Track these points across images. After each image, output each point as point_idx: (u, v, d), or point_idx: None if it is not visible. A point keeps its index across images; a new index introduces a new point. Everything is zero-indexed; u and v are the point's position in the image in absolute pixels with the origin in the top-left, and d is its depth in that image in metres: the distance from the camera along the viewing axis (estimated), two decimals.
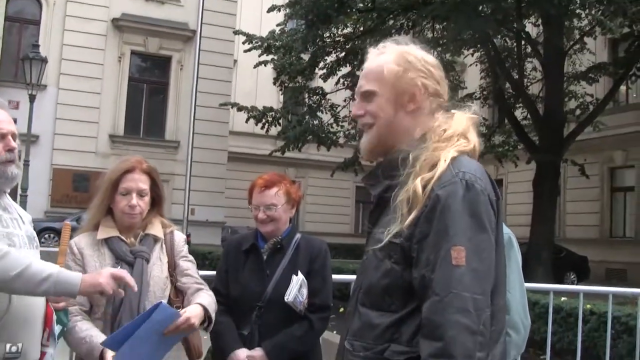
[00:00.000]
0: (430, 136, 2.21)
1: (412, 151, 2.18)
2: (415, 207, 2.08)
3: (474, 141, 2.27)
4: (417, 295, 2.07)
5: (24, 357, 2.85)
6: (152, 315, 2.88)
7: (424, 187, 2.09)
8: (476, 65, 25.00)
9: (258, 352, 3.48)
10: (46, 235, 21.57)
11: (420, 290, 2.06)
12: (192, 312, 3.10)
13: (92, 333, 3.07)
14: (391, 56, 2.30)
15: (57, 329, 3.12)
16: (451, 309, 1.96)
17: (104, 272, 2.81)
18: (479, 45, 20.59)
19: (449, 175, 2.09)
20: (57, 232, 20.95)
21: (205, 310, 3.20)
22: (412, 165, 2.15)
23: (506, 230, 2.87)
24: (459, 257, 1.99)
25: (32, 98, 19.44)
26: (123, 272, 2.84)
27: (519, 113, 21.92)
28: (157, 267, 3.35)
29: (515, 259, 2.90)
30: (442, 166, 2.11)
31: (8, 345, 2.77)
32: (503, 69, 20.01)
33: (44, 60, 20.55)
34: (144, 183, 3.35)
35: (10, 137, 2.87)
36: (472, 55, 23.12)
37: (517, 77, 20.56)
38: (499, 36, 20.46)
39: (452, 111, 2.32)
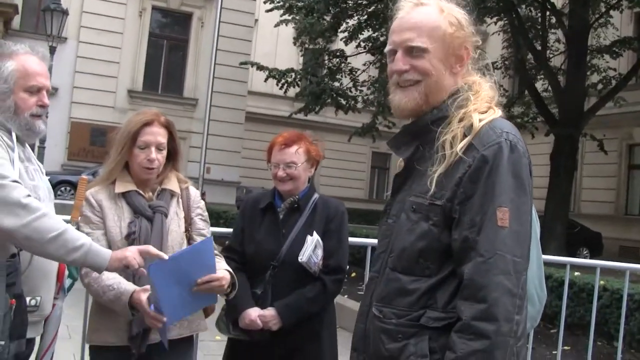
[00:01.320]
0: (468, 96, 2.19)
1: (450, 110, 2.16)
2: (456, 151, 2.07)
3: (496, 101, 2.28)
4: (455, 258, 2.06)
5: (41, 310, 2.87)
6: (196, 244, 3.03)
7: (466, 141, 2.08)
8: (498, 34, 24.67)
9: (270, 311, 3.48)
10: (62, 188, 21.72)
11: (460, 253, 2.04)
12: (224, 275, 3.12)
13: (119, 280, 3.06)
14: (438, 12, 2.23)
15: (67, 282, 3.14)
16: (495, 270, 1.96)
17: (130, 247, 2.81)
18: (502, 14, 20.31)
19: (493, 135, 2.08)
20: (73, 185, 21.09)
21: (232, 276, 3.22)
22: (449, 122, 2.14)
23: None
24: (504, 218, 1.98)
25: (52, 50, 19.43)
26: (149, 247, 2.82)
27: (539, 85, 21.71)
28: (175, 222, 3.35)
29: (534, 229, 2.88)
30: (483, 124, 2.10)
31: (28, 299, 2.79)
32: (526, 39, 19.74)
33: (65, 12, 20.54)
34: (162, 137, 3.33)
35: (44, 93, 2.89)
36: (495, 24, 22.79)
37: (539, 48, 20.29)
38: (524, 5, 20.14)
39: (477, 77, 2.30)
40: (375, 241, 2.55)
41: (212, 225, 3.61)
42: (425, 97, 2.21)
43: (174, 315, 3.02)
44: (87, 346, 3.43)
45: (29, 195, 2.58)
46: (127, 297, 3.02)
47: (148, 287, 2.95)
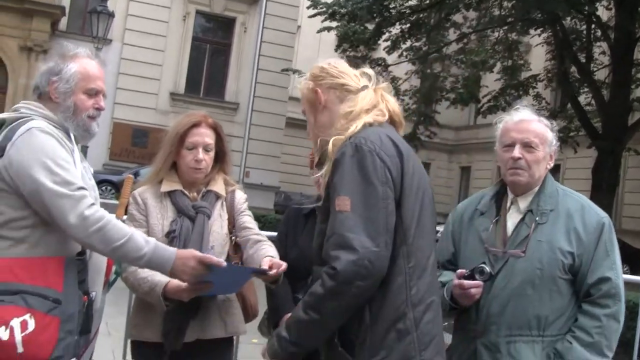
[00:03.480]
0: (339, 121, 2.56)
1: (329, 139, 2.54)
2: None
3: (385, 110, 2.62)
4: None
5: (95, 304, 2.94)
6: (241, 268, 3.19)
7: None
8: (542, 46, 24.45)
9: None
10: (103, 188, 21.95)
11: None
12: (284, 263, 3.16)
13: (154, 273, 3.09)
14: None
15: (111, 277, 3.22)
16: (332, 246, 2.31)
17: (195, 257, 2.80)
18: (546, 26, 20.16)
19: (344, 144, 2.45)
20: (114, 185, 21.35)
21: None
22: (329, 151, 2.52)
23: (602, 214, 3.16)
24: (341, 204, 2.33)
25: (97, 51, 19.68)
26: (209, 257, 2.83)
27: (582, 98, 21.44)
28: (218, 224, 3.40)
29: (615, 241, 3.16)
30: (342, 140, 2.47)
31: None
32: (570, 52, 19.56)
33: (111, 15, 20.77)
34: (209, 138, 3.39)
35: (101, 96, 2.98)
36: (539, 35, 22.61)
37: (584, 61, 20.11)
38: (569, 18, 19.95)
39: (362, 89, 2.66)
40: None
41: None
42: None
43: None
44: (128, 342, 3.51)
45: (92, 204, 2.67)
46: (160, 287, 3.07)
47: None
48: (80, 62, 2.95)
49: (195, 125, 3.37)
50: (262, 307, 3.58)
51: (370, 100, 2.61)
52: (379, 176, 2.37)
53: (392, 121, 2.68)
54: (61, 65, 2.91)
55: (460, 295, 3.05)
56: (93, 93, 2.95)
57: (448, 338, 2.98)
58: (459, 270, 3.09)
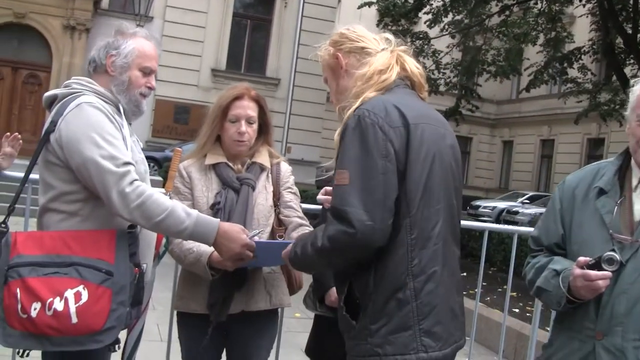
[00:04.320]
0: (355, 82, 2.61)
1: (346, 102, 2.60)
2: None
3: (395, 72, 2.63)
4: None
5: (146, 277, 3.01)
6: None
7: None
8: (587, 17, 23.98)
9: None
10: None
11: None
12: None
13: (198, 244, 3.14)
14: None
15: (161, 250, 3.29)
16: (330, 217, 2.39)
17: (241, 242, 2.86)
18: None
19: (349, 115, 2.50)
20: (157, 162, 21.53)
21: None
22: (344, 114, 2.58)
23: None
24: (340, 179, 2.39)
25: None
26: (252, 243, 2.90)
27: (628, 70, 21.03)
28: (262, 196, 3.42)
29: None
30: (351, 111, 2.51)
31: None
32: (615, 22, 19.15)
33: None
34: (252, 110, 3.41)
35: (153, 76, 3.05)
36: (584, 6, 22.19)
37: (630, 31, 19.69)
38: None
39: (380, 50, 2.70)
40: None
41: None
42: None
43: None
44: (174, 316, 3.57)
45: (135, 180, 2.72)
46: (205, 257, 3.14)
47: None
48: (139, 40, 3.03)
49: (238, 97, 3.40)
50: (307, 280, 3.60)
51: (386, 61, 2.64)
52: (379, 149, 2.39)
53: (411, 82, 2.72)
54: (120, 41, 2.99)
55: (583, 288, 2.57)
56: (147, 72, 3.02)
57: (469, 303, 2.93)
58: (582, 258, 2.59)
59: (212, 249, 3.04)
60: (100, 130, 2.75)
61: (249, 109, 3.40)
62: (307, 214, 3.67)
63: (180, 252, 3.23)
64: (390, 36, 2.77)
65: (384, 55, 2.66)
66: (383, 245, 2.38)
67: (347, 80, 2.71)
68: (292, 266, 2.72)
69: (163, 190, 3.27)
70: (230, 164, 3.42)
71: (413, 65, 2.73)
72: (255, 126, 3.44)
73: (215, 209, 3.28)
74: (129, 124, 2.99)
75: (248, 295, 3.34)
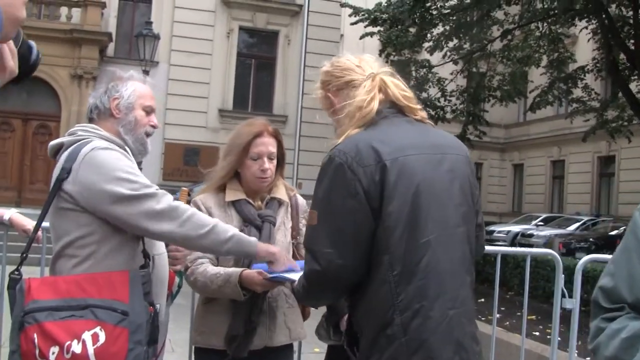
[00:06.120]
0: (343, 121, 2.65)
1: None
2: None
3: (375, 103, 2.59)
4: None
5: (159, 316, 3.03)
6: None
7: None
8: (590, 38, 24.00)
9: None
10: None
11: None
12: None
13: (225, 268, 3.21)
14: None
15: (174, 289, 3.30)
16: (305, 259, 2.54)
17: (276, 247, 3.12)
18: (591, 16, 19.84)
19: (325, 156, 2.55)
20: None
21: None
22: None
23: None
24: (310, 219, 2.50)
25: (145, 74, 19.93)
26: (271, 283, 3.10)
27: (633, 86, 21.01)
28: (281, 232, 3.45)
29: None
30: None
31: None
32: (617, 40, 19.19)
33: (156, 37, 21.15)
34: (272, 146, 3.44)
35: (154, 115, 3.14)
36: (587, 28, 22.24)
37: (632, 47, 19.72)
38: (614, 5, 19.60)
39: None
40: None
41: None
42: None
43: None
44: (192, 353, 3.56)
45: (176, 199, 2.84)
46: (236, 276, 3.14)
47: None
48: (135, 83, 3.12)
49: (258, 135, 3.41)
50: (320, 310, 3.60)
51: (365, 95, 2.61)
52: (348, 188, 2.41)
53: (399, 107, 2.66)
54: (119, 85, 3.08)
55: None
56: (149, 110, 3.11)
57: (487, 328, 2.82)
58: None
59: (241, 269, 3.13)
60: (122, 167, 2.82)
61: (270, 145, 3.42)
62: None
63: (206, 278, 3.22)
64: (368, 57, 2.84)
65: (365, 86, 2.64)
66: (359, 281, 2.44)
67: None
68: (299, 301, 2.96)
69: None
70: (250, 200, 3.43)
71: (397, 90, 2.67)
72: (275, 162, 3.46)
73: None
74: (139, 168, 3.03)
75: (270, 330, 3.34)
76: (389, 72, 2.74)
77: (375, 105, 2.59)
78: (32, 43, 1.68)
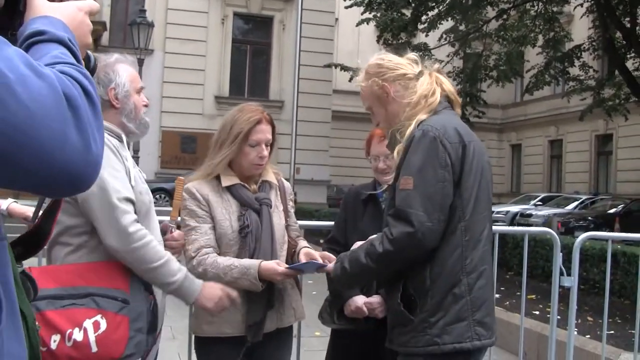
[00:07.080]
0: (404, 108, 2.90)
1: (399, 125, 2.90)
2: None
3: (438, 93, 2.92)
4: None
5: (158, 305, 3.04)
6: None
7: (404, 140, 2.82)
8: (587, 16, 23.94)
9: (376, 298, 3.48)
10: (157, 196, 22.17)
11: None
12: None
13: (240, 260, 3.22)
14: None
15: None
16: (393, 217, 2.70)
17: (219, 289, 3.06)
18: None
19: (413, 130, 2.79)
20: (168, 193, 21.57)
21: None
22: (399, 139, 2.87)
23: None
24: (405, 184, 2.70)
25: (140, 62, 19.92)
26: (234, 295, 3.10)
27: (630, 64, 20.96)
28: (276, 215, 3.46)
29: None
30: (410, 131, 2.80)
31: None
32: (613, 17, 19.13)
33: (151, 25, 21.08)
34: (269, 133, 3.43)
35: (143, 93, 3.13)
36: (581, 5, 22.17)
37: (629, 25, 19.65)
38: None
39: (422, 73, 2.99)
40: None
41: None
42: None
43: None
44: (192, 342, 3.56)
45: (136, 221, 2.78)
46: (255, 269, 3.16)
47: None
48: (123, 66, 3.08)
49: (258, 122, 3.40)
50: (323, 294, 3.61)
51: (428, 86, 2.93)
52: (440, 160, 2.70)
53: (449, 100, 3.00)
54: (111, 74, 3.02)
55: None
56: (140, 90, 3.11)
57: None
58: None
59: (259, 260, 3.18)
60: (105, 165, 2.78)
61: (267, 132, 3.41)
62: (319, 231, 3.71)
63: (218, 270, 3.20)
64: (414, 56, 3.08)
65: (425, 79, 2.95)
66: (435, 246, 2.70)
67: (394, 106, 2.96)
68: (336, 283, 3.08)
69: (167, 218, 3.30)
70: (245, 184, 3.43)
71: (449, 84, 3.02)
72: (269, 148, 3.47)
73: (244, 233, 3.29)
74: (135, 157, 3.02)
75: (280, 312, 3.38)
76: (438, 68, 3.07)
77: (438, 95, 2.92)
78: (90, 53, 1.81)
